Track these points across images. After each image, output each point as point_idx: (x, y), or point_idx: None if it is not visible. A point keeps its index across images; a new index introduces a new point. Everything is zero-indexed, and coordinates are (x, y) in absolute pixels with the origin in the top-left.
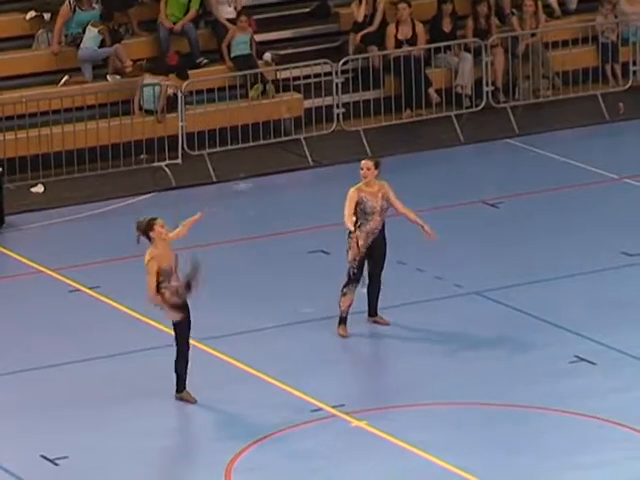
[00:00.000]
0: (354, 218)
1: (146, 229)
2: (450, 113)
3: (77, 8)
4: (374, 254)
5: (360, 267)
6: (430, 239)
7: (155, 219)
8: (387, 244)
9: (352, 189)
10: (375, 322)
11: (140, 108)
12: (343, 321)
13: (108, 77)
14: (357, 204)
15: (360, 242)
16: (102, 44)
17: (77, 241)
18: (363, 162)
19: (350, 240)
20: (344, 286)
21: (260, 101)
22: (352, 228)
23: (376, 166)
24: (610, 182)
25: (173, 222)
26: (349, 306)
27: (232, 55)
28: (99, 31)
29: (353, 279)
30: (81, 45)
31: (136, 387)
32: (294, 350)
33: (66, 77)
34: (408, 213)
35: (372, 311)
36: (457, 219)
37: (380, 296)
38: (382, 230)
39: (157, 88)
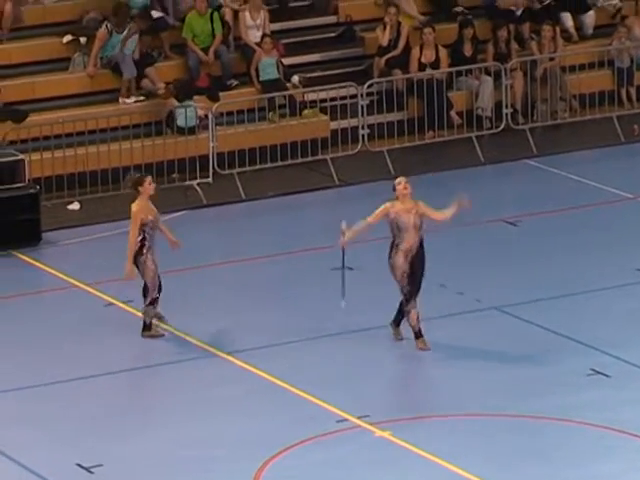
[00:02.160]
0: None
1: (136, 184)
2: (471, 134)
3: (114, 31)
4: (413, 272)
5: (411, 282)
6: (466, 205)
7: (146, 176)
8: (426, 263)
9: (387, 202)
10: (394, 333)
11: (172, 129)
12: (419, 335)
13: (133, 98)
14: (391, 220)
15: (400, 260)
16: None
17: (111, 257)
18: (398, 180)
19: (390, 260)
20: (403, 306)
21: (289, 122)
22: (344, 237)
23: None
24: (625, 201)
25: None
26: (417, 319)
27: (260, 79)
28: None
29: (409, 296)
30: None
31: (167, 397)
32: (319, 362)
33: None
34: (447, 215)
35: (397, 322)
36: (478, 237)
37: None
38: (420, 248)
39: (190, 110)
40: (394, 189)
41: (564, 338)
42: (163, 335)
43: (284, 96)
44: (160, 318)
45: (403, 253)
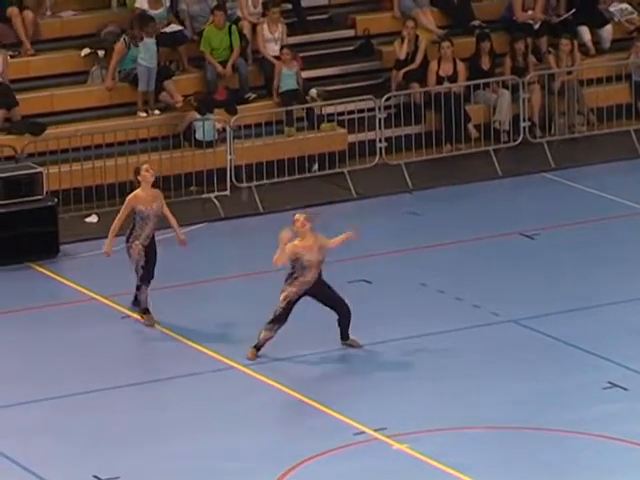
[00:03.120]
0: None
1: (135, 173)
2: (488, 148)
3: (131, 45)
4: (317, 296)
5: (289, 309)
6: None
7: (143, 165)
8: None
9: (290, 244)
10: (349, 345)
11: (190, 142)
12: (258, 348)
13: (156, 111)
14: (294, 259)
15: (294, 290)
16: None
17: (129, 269)
18: (297, 216)
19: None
20: (270, 322)
21: (306, 135)
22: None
23: (309, 220)
24: None
25: None
26: (266, 340)
27: (280, 90)
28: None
29: (278, 319)
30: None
31: (184, 410)
32: (336, 375)
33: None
34: (337, 242)
35: (344, 336)
36: (495, 250)
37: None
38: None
39: (207, 122)
40: (294, 224)
41: (581, 351)
42: (152, 326)
43: (302, 109)
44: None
45: (300, 284)
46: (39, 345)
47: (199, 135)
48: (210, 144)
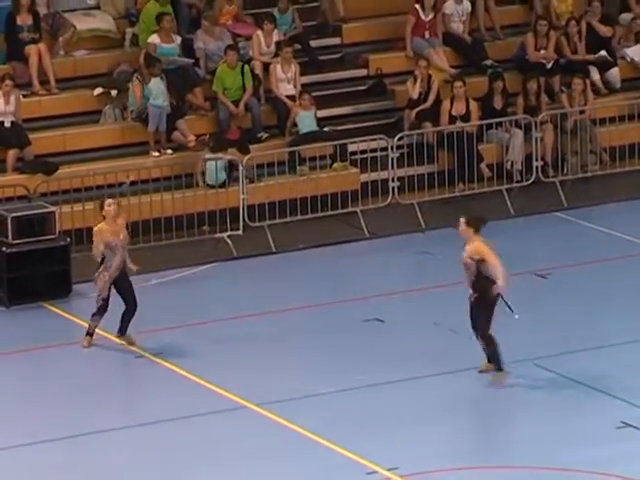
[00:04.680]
0: None
1: (100, 207)
2: (501, 187)
3: (144, 84)
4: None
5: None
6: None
7: (106, 199)
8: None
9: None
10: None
11: (203, 181)
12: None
13: (168, 151)
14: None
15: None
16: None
17: (142, 309)
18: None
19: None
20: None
21: (319, 175)
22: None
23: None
24: None
25: None
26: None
27: (301, 132)
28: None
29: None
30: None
31: (196, 449)
32: (348, 414)
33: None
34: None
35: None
36: (508, 289)
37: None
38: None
39: (220, 162)
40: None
41: (594, 390)
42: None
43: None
44: (131, 342)
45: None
46: (51, 384)
47: (210, 179)
48: (223, 185)
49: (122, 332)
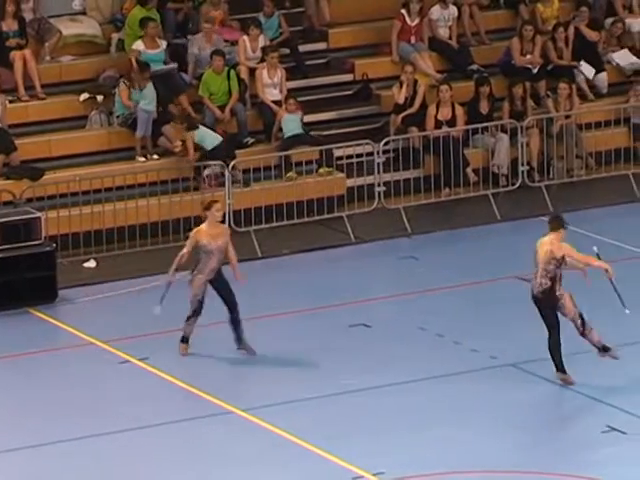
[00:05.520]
0: None
1: (205, 208)
2: (487, 192)
3: (131, 89)
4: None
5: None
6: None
7: (216, 201)
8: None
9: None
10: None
11: (198, 182)
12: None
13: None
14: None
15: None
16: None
17: (127, 314)
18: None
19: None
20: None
21: (305, 180)
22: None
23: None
24: None
25: None
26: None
27: (285, 136)
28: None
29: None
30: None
31: (181, 455)
32: (334, 419)
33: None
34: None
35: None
36: (493, 293)
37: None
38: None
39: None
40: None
41: (580, 395)
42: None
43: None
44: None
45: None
46: (36, 390)
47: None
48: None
49: (240, 341)
